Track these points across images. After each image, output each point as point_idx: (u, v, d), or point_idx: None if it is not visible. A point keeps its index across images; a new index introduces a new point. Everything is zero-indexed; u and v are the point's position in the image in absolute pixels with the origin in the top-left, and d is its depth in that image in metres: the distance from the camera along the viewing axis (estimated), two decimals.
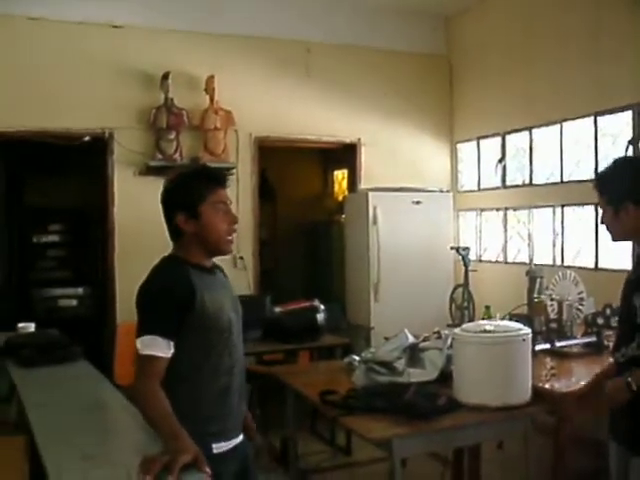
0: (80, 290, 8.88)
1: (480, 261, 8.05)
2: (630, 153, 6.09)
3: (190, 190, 2.63)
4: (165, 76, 6.95)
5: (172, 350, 2.49)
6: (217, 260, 2.81)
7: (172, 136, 7.08)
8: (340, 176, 10.18)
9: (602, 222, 3.02)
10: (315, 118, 7.85)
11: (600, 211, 3.04)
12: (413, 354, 3.94)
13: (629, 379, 2.71)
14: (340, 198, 9.72)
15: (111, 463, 2.11)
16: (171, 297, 2.52)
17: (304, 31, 7.77)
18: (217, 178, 2.70)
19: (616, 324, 4.50)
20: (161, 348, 2.46)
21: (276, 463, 5.33)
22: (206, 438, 2.52)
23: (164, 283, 2.57)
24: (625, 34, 6.20)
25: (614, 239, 3.02)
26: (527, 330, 3.46)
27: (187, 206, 2.61)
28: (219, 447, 2.61)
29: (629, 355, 2.84)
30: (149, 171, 6.87)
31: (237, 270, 7.09)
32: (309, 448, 5.84)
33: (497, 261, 7.90)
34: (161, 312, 2.51)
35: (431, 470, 4.71)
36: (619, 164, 3.07)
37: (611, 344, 4.45)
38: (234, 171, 7.20)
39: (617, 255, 6.26)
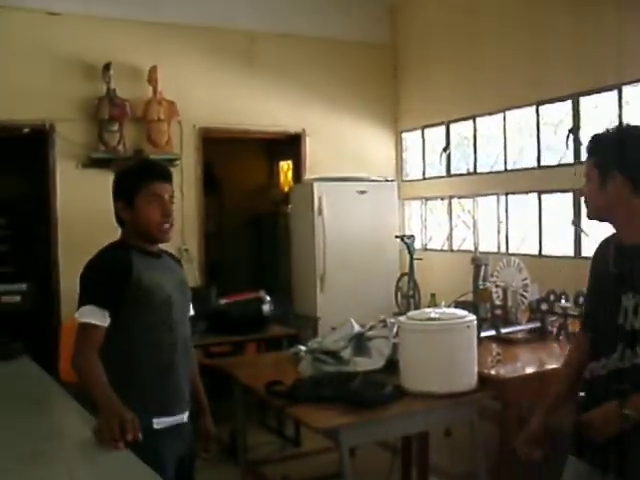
0: (24, 286, 8.67)
1: (426, 249, 8.09)
2: (571, 142, 6.17)
3: (128, 182, 2.83)
4: (107, 66, 6.84)
5: (108, 319, 2.63)
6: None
7: (115, 127, 6.98)
8: (286, 167, 10.14)
9: (581, 194, 2.62)
10: (259, 108, 7.79)
11: (583, 180, 2.59)
12: (359, 343, 3.94)
13: (626, 411, 2.30)
14: (286, 189, 9.68)
15: (53, 461, 2.08)
16: (108, 270, 2.70)
17: (247, 20, 7.68)
18: (154, 172, 2.86)
19: (572, 318, 4.50)
20: (97, 317, 2.62)
21: (225, 455, 5.30)
22: (147, 412, 2.60)
23: (102, 259, 2.77)
24: (566, 25, 6.27)
25: (590, 215, 2.60)
26: (472, 317, 3.48)
27: (125, 196, 2.80)
28: (160, 422, 2.71)
29: (611, 368, 2.43)
30: (92, 163, 6.77)
31: (183, 262, 7.00)
32: (258, 440, 5.82)
33: (442, 249, 7.96)
34: (98, 284, 2.68)
35: (380, 459, 4.71)
36: (625, 129, 2.60)
37: (554, 330, 4.53)
38: (178, 162, 7.14)
39: (560, 242, 6.37)
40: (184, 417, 2.84)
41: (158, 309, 2.73)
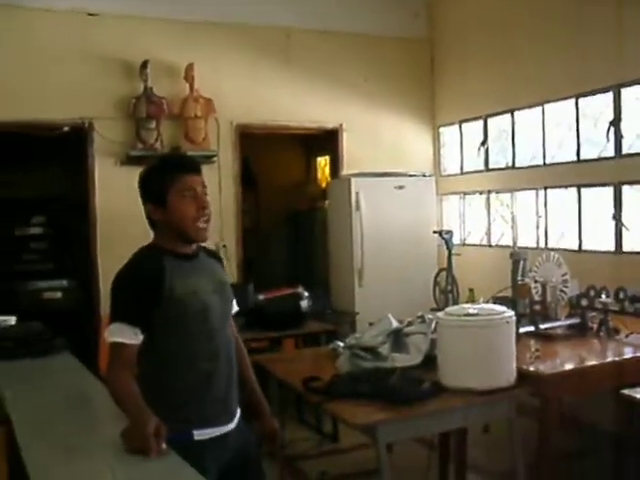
0: (64, 282, 8.78)
1: (464, 245, 8.05)
2: (612, 135, 6.08)
3: (156, 180, 2.64)
4: (144, 65, 6.90)
5: (140, 336, 2.50)
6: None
7: (152, 125, 7.03)
8: (323, 162, 10.15)
9: None
10: (296, 104, 7.82)
11: None
12: (397, 339, 3.92)
13: None
14: (323, 184, 9.69)
15: (94, 455, 2.09)
16: (137, 284, 2.54)
17: (283, 17, 7.72)
18: (182, 165, 2.69)
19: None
20: (127, 335, 2.48)
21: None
22: (186, 424, 2.54)
23: (132, 271, 2.59)
24: (606, 17, 6.19)
25: None
26: (511, 313, 3.44)
27: (155, 196, 2.62)
28: (201, 434, 2.58)
29: None
30: (130, 161, 6.81)
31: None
32: (296, 435, 5.83)
33: (481, 244, 7.91)
34: (128, 300, 2.54)
35: (418, 455, 4.69)
36: None
37: (595, 326, 4.47)
38: (215, 159, 7.18)
39: (600, 237, 6.29)
40: (229, 426, 2.69)
41: (193, 319, 2.58)
